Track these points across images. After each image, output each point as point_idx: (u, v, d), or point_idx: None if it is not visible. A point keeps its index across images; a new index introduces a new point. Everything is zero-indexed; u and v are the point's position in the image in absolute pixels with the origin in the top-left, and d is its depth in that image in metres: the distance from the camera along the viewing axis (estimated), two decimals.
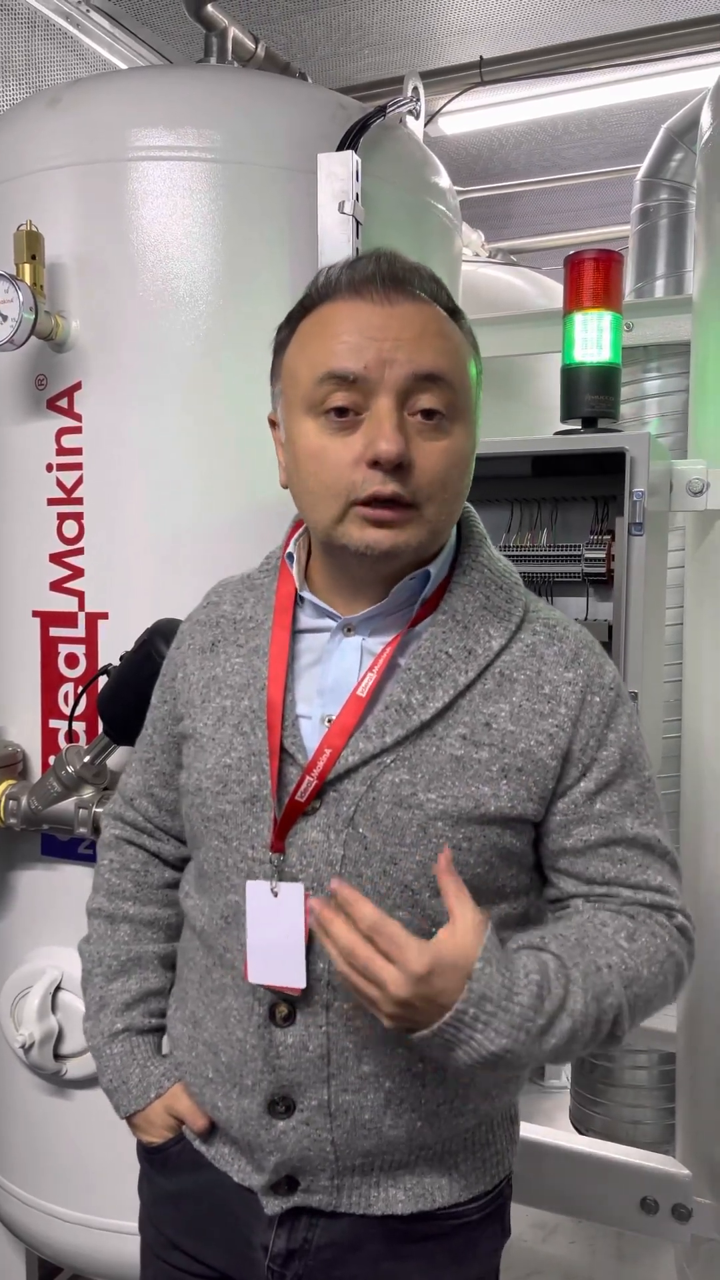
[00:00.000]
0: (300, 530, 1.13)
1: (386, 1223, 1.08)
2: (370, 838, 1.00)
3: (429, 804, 0.99)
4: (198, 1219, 1.16)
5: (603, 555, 1.52)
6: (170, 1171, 1.18)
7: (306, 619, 1.10)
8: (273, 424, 1.10)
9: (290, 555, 1.11)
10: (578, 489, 1.59)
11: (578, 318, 1.55)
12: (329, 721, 1.03)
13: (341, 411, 0.98)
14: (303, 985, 1.01)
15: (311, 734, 1.04)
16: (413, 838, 0.99)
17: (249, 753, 1.06)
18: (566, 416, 1.60)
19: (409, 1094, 1.04)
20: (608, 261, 1.53)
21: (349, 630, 1.06)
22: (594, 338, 1.54)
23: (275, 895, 1.02)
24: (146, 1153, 1.20)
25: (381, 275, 1.00)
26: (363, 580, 1.05)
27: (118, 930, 1.23)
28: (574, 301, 1.55)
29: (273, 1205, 1.08)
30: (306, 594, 1.09)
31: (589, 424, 1.58)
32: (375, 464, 0.96)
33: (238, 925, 1.06)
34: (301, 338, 1.03)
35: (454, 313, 1.05)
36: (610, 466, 1.47)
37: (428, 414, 0.98)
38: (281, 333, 1.07)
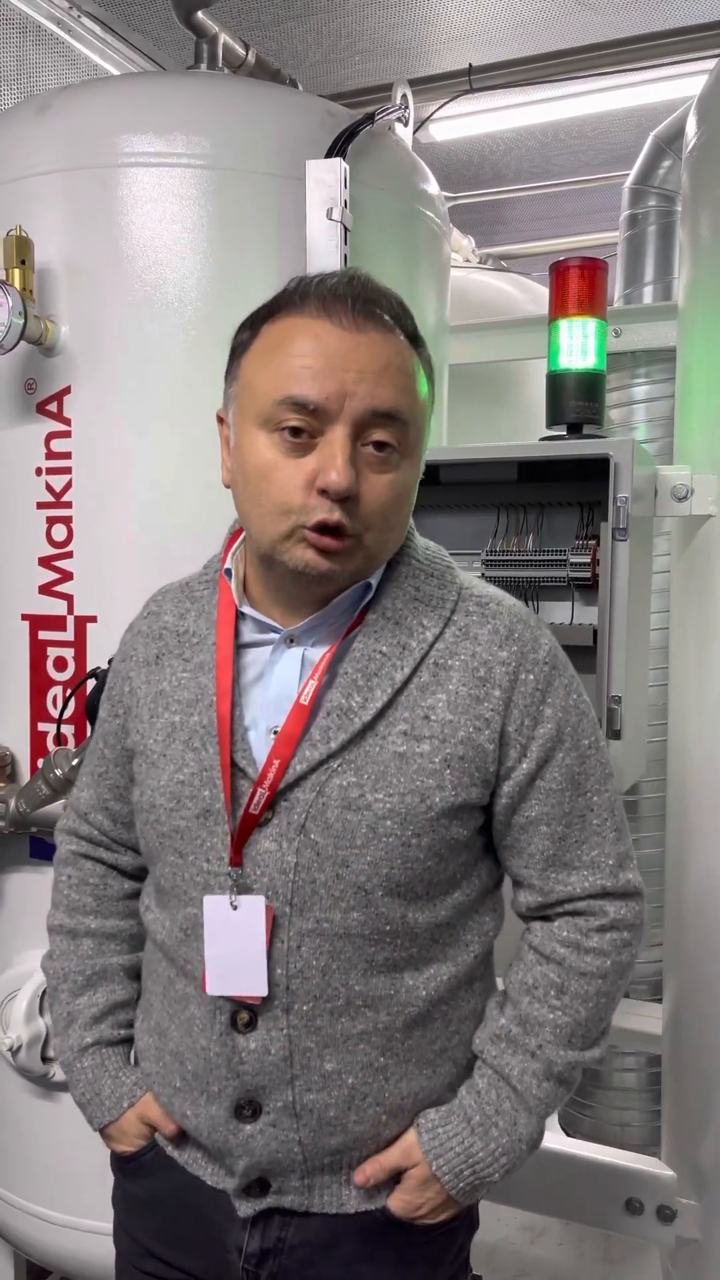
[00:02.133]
0: (238, 541, 1.14)
1: (360, 1220, 1.09)
2: (322, 843, 1.02)
3: (377, 804, 1.02)
4: (172, 1224, 1.16)
5: (588, 560, 1.53)
6: (144, 1178, 1.19)
7: (248, 633, 1.11)
8: (220, 420, 1.10)
9: (228, 571, 1.13)
10: (563, 494, 1.61)
11: (563, 324, 1.56)
12: (275, 732, 1.05)
13: (296, 432, 0.98)
14: (264, 994, 1.03)
15: (260, 746, 1.06)
16: (363, 839, 1.02)
17: (200, 768, 1.08)
18: (552, 422, 1.61)
19: (372, 1089, 1.06)
20: (592, 269, 1.54)
21: (291, 641, 1.08)
22: (579, 344, 1.55)
23: (235, 909, 1.04)
24: (120, 1162, 1.21)
25: (353, 297, 1.00)
26: (300, 598, 1.07)
27: (80, 945, 1.23)
28: (559, 308, 1.57)
29: (245, 1208, 1.09)
30: (247, 609, 1.10)
31: (574, 430, 1.59)
32: (324, 492, 0.97)
33: (197, 937, 1.07)
34: (264, 347, 1.02)
35: (416, 340, 1.05)
36: (595, 472, 1.48)
37: (380, 446, 1.00)
38: (243, 334, 1.06)
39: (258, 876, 1.04)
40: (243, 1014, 1.05)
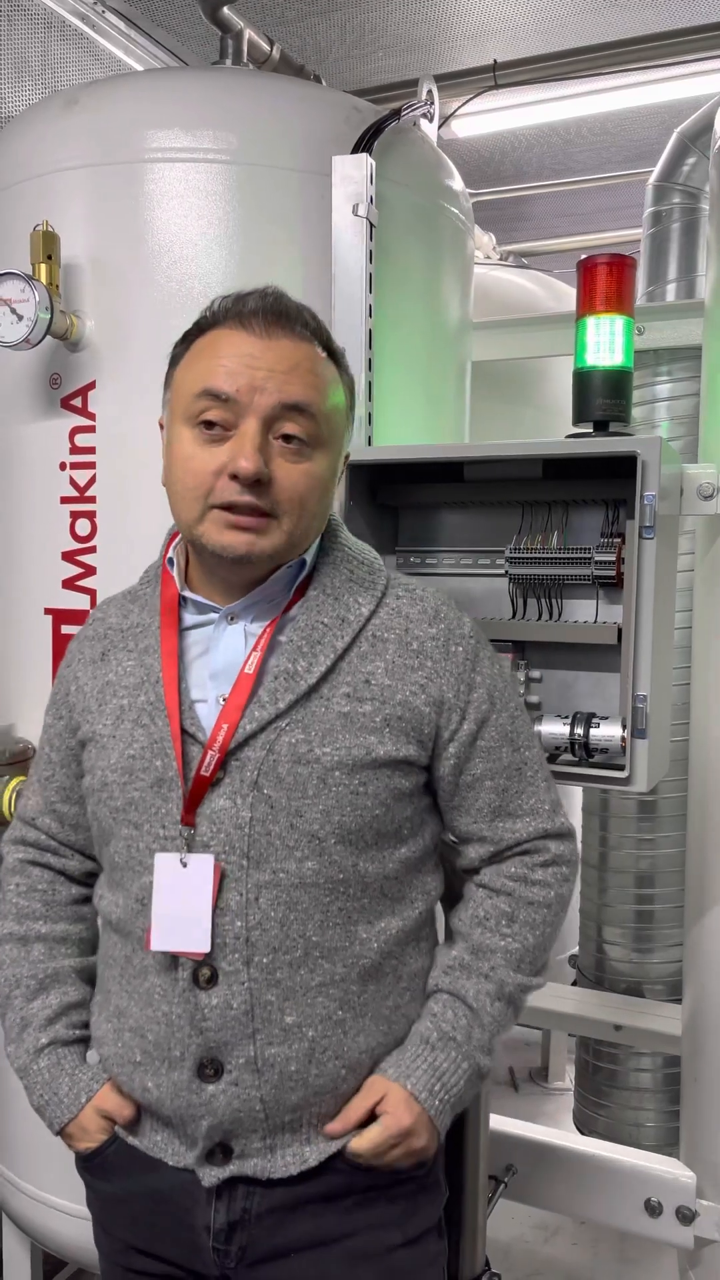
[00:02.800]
0: (179, 538, 1.22)
1: (324, 1181, 1.13)
2: (275, 796, 1.10)
3: (325, 757, 1.10)
4: (144, 1214, 1.19)
5: (612, 558, 1.52)
6: (110, 1174, 1.20)
7: (190, 617, 1.19)
8: (161, 427, 1.19)
9: (171, 560, 1.21)
10: (588, 492, 1.60)
11: (590, 321, 1.55)
12: (223, 700, 1.13)
13: (210, 425, 1.09)
14: (207, 949, 1.09)
15: (208, 715, 1.14)
16: (314, 789, 1.10)
17: (150, 741, 1.15)
18: (578, 420, 1.60)
19: (331, 1042, 1.11)
20: (621, 266, 1.53)
21: (232, 619, 1.16)
22: (606, 342, 1.54)
23: (184, 866, 1.10)
24: (84, 1161, 1.22)
25: (265, 310, 1.11)
26: (231, 581, 1.15)
27: (31, 951, 1.26)
28: (586, 305, 1.56)
29: (209, 1176, 1.12)
30: (188, 593, 1.18)
31: (600, 427, 1.58)
32: (234, 477, 1.07)
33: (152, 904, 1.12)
34: (190, 356, 1.14)
35: (333, 353, 1.16)
36: (620, 470, 1.47)
37: (289, 438, 1.09)
38: (177, 349, 1.17)
39: (214, 834, 1.10)
40: (203, 969, 1.09)
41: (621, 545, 1.52)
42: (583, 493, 1.61)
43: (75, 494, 1.72)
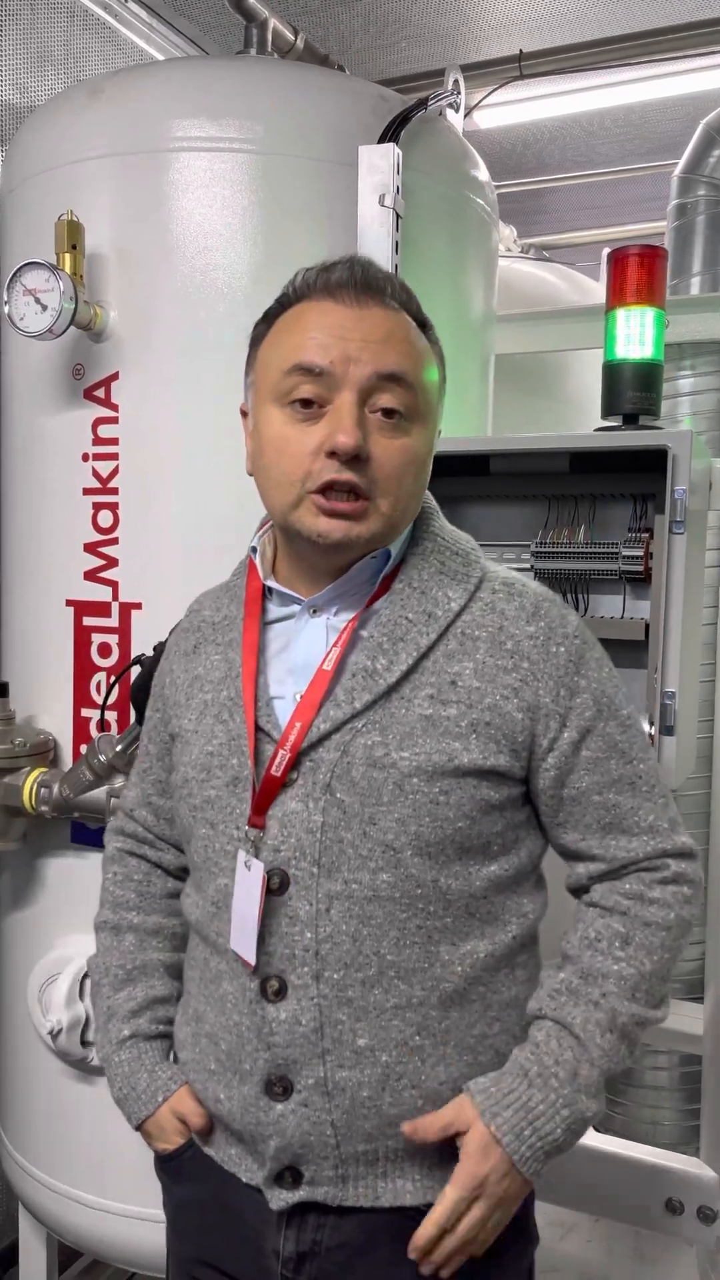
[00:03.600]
0: (266, 526, 1.18)
1: (397, 1220, 1.05)
2: (348, 801, 1.03)
3: (402, 762, 1.02)
4: (216, 1226, 1.15)
5: (640, 553, 1.51)
6: (185, 1179, 1.18)
7: (275, 609, 1.14)
8: (244, 414, 1.15)
9: (254, 549, 1.16)
10: (615, 486, 1.58)
11: (620, 314, 1.54)
12: (299, 697, 1.07)
13: (307, 403, 1.03)
14: (252, 960, 1.04)
15: (285, 712, 1.08)
16: (389, 796, 1.02)
17: (229, 738, 1.10)
18: (607, 413, 1.59)
19: (408, 1070, 1.03)
20: (652, 257, 1.52)
21: (315, 611, 1.10)
22: (636, 334, 1.53)
23: (248, 869, 1.05)
24: (161, 1161, 1.20)
25: (355, 280, 1.05)
26: (320, 568, 1.09)
27: (123, 940, 1.25)
28: (617, 297, 1.54)
29: (278, 1199, 1.07)
30: (271, 582, 1.13)
31: (630, 420, 1.57)
32: (333, 454, 1.01)
33: (228, 909, 1.08)
34: (276, 333, 1.08)
35: (423, 324, 1.10)
36: (648, 464, 1.46)
37: (388, 413, 1.03)
38: (259, 328, 1.12)
39: (284, 838, 1.04)
40: (272, 982, 1.04)
41: (650, 540, 1.50)
42: (610, 487, 1.59)
43: (98, 485, 1.71)
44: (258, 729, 1.08)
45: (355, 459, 1.01)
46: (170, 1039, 1.22)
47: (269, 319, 1.11)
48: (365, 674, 1.05)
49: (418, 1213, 1.04)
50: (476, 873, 1.05)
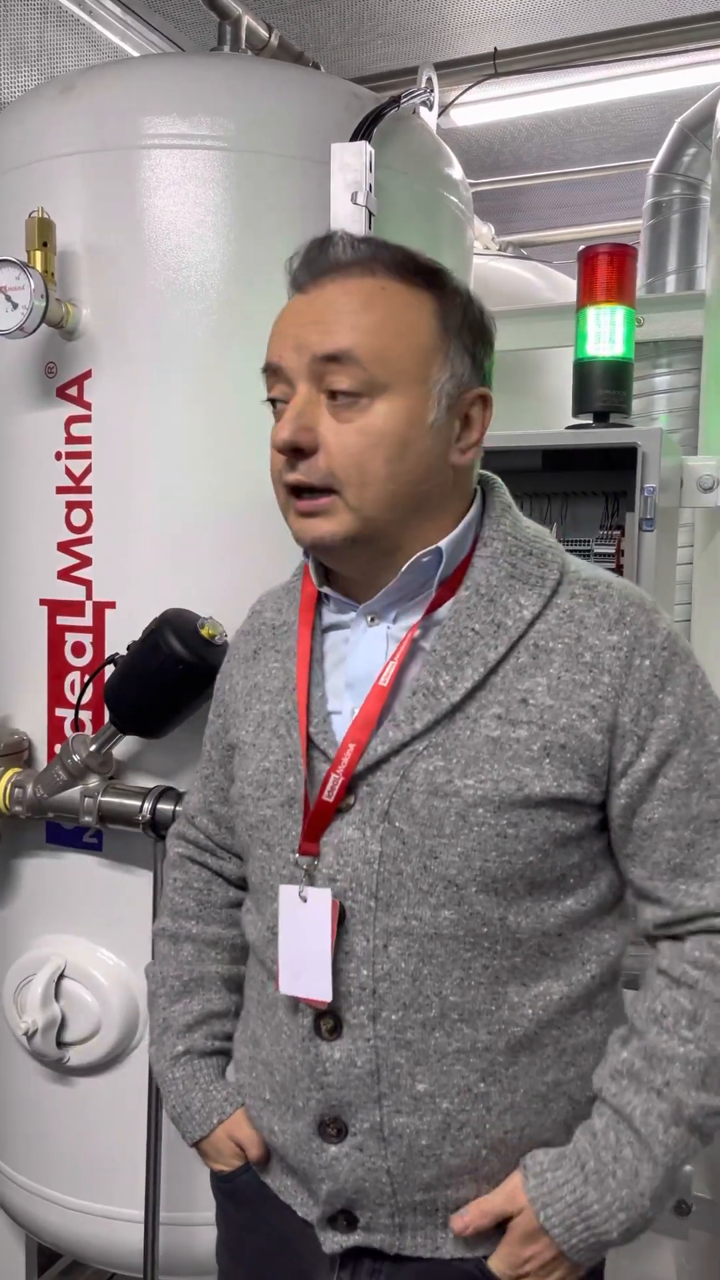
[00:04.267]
0: None
1: (458, 1273, 0.99)
2: (407, 831, 0.94)
3: (466, 790, 0.93)
4: (269, 1253, 1.11)
5: (612, 550, 1.52)
6: (240, 1203, 1.14)
7: (331, 615, 1.07)
8: None
9: (307, 552, 1.08)
10: (588, 484, 1.59)
11: (590, 312, 1.55)
12: (355, 714, 0.99)
13: (276, 404, 1.00)
14: (328, 998, 0.96)
15: (342, 729, 1.00)
16: (452, 827, 0.93)
17: (285, 755, 1.03)
18: (578, 411, 1.59)
19: (471, 1118, 0.96)
20: (622, 256, 1.52)
21: (373, 619, 1.02)
22: (607, 332, 1.53)
23: (304, 900, 0.97)
24: (217, 1181, 1.16)
25: (310, 263, 0.99)
26: (348, 572, 1.03)
27: (181, 950, 1.20)
28: (587, 296, 1.55)
29: (331, 1243, 1.01)
30: (325, 589, 1.06)
31: (601, 419, 1.57)
32: (279, 451, 0.96)
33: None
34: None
35: (417, 275, 0.98)
36: (620, 462, 1.47)
37: (335, 394, 0.95)
38: None
39: (340, 867, 0.97)
40: (327, 1019, 0.98)
41: (621, 537, 1.51)
42: (582, 484, 1.60)
43: (71, 484, 1.70)
44: (312, 746, 1.00)
45: (299, 453, 0.94)
46: (226, 1055, 1.17)
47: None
48: (426, 691, 0.96)
49: (479, 1265, 0.98)
50: (550, 909, 0.96)
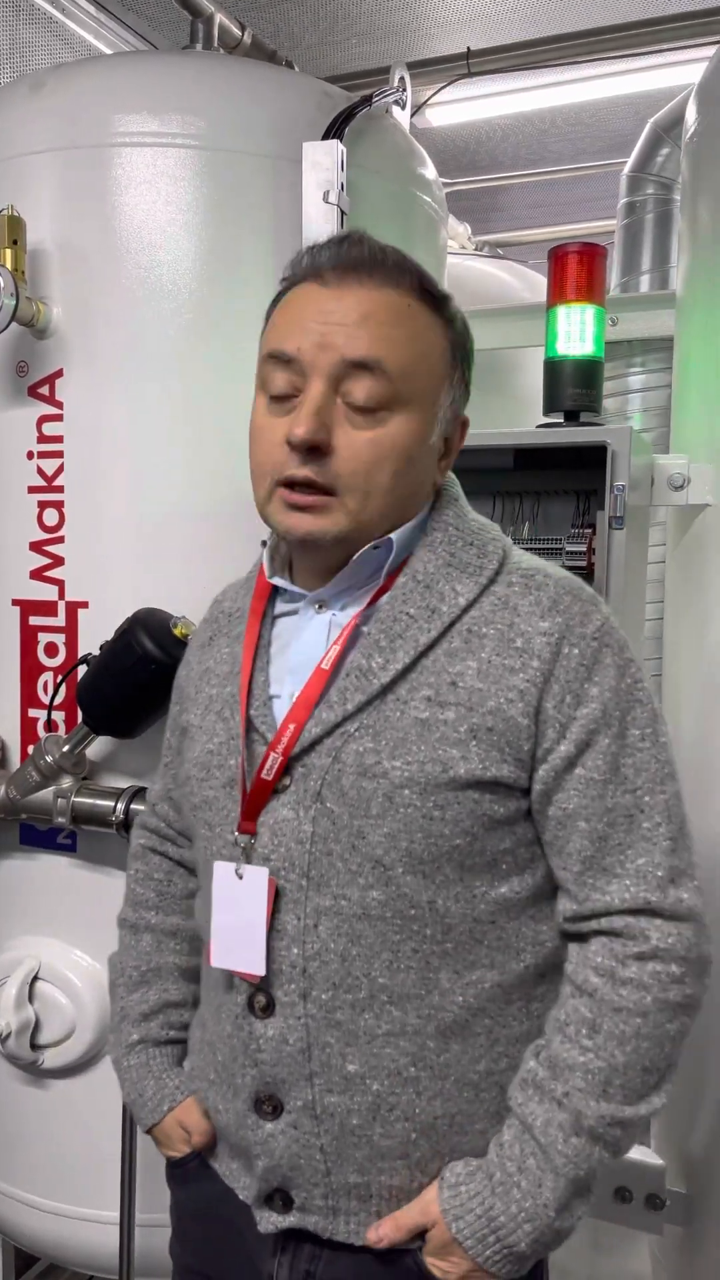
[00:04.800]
0: None
1: (394, 1267, 1.00)
2: (337, 811, 0.96)
3: (394, 771, 0.95)
4: (215, 1239, 1.13)
5: (584, 549, 1.52)
6: (189, 1186, 1.16)
7: (283, 603, 1.10)
8: None
9: (264, 542, 1.10)
10: (560, 482, 1.60)
11: (560, 311, 1.55)
12: (295, 697, 1.01)
13: (282, 396, 0.98)
14: (261, 972, 0.98)
15: (282, 712, 1.02)
16: (379, 808, 0.95)
17: (228, 737, 1.06)
18: (549, 410, 1.60)
19: (400, 1100, 0.97)
20: (591, 255, 1.53)
21: (320, 607, 1.05)
22: (577, 331, 1.54)
23: (240, 878, 1.00)
24: (169, 1167, 1.18)
25: (339, 258, 0.99)
26: (316, 564, 1.04)
27: (140, 940, 1.22)
28: (557, 295, 1.55)
29: (266, 1222, 1.03)
30: (277, 580, 1.08)
31: (571, 417, 1.58)
32: (293, 447, 0.96)
33: None
34: (271, 317, 1.05)
35: (434, 298, 1.01)
36: (591, 460, 1.47)
37: (357, 404, 0.96)
38: (268, 311, 1.08)
39: (275, 846, 0.99)
40: (259, 996, 0.99)
41: (593, 536, 1.52)
42: (554, 483, 1.61)
43: (43, 483, 1.70)
44: (251, 728, 1.03)
45: (315, 451, 0.95)
46: (182, 1044, 1.19)
47: (275, 303, 1.06)
48: (359, 673, 0.98)
49: (415, 1259, 0.99)
50: (482, 895, 0.97)
